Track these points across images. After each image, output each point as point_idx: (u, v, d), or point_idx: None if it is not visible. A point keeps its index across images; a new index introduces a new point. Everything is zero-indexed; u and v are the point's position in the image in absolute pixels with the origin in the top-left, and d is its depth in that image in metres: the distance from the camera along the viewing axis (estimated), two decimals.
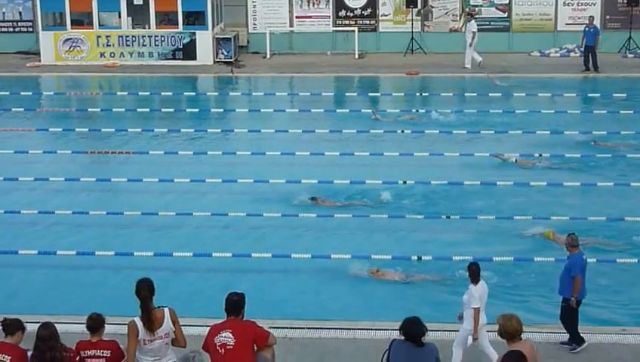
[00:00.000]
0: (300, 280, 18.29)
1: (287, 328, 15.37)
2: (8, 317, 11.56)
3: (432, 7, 41.21)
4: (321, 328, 15.61)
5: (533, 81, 35.65)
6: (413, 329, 10.98)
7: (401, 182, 23.17)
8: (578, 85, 35.68)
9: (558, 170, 24.71)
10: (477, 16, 40.66)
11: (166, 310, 11.51)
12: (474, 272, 13.88)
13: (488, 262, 17.76)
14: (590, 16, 38.03)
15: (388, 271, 18.28)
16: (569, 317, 14.76)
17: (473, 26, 38.41)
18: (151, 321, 11.31)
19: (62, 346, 11.03)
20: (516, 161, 25.35)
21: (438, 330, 14.54)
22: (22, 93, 34.69)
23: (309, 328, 15.61)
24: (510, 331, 10.87)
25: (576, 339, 14.80)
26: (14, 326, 11.29)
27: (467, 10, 40.43)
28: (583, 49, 37.62)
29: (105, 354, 11.31)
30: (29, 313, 13.96)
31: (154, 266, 18.09)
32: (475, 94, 33.37)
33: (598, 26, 37.87)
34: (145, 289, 11.38)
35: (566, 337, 14.88)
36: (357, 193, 22.90)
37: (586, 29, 37.10)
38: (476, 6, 41.03)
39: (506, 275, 18.05)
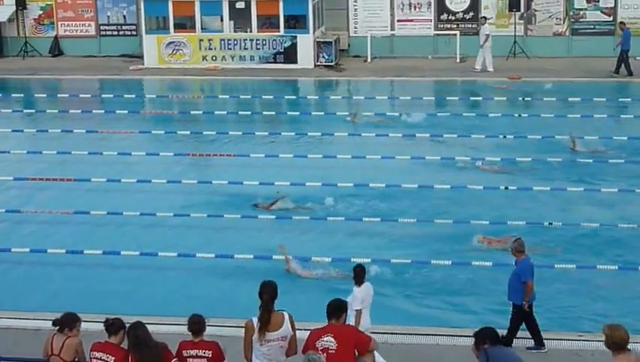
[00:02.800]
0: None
1: (387, 333, 15.26)
2: (110, 317, 11.67)
3: (536, 10, 40.65)
4: (421, 334, 15.47)
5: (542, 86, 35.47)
6: (497, 334, 11.25)
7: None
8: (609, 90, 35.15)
9: (514, 175, 24.62)
10: (581, 20, 40.08)
11: (286, 314, 11.49)
12: (358, 274, 13.81)
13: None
14: (622, 22, 38.02)
15: (298, 269, 18.51)
16: (517, 322, 14.72)
17: (486, 29, 38.33)
18: (267, 323, 11.29)
19: (157, 343, 11.15)
20: (481, 165, 25.31)
21: None
22: (125, 95, 35.21)
23: (409, 334, 15.49)
24: (618, 341, 10.56)
25: (508, 341, 14.58)
26: (117, 326, 11.42)
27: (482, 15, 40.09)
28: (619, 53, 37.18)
29: (206, 355, 11.38)
30: (129, 314, 14.05)
31: (254, 267, 18.22)
32: (578, 99, 32.82)
33: None
34: (268, 292, 11.39)
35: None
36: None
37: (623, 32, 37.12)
38: (581, 9, 40.37)
39: (436, 278, 18.26)
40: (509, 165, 25.41)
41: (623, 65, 36.60)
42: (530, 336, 15.06)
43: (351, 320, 13.49)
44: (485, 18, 39.20)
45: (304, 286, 17.96)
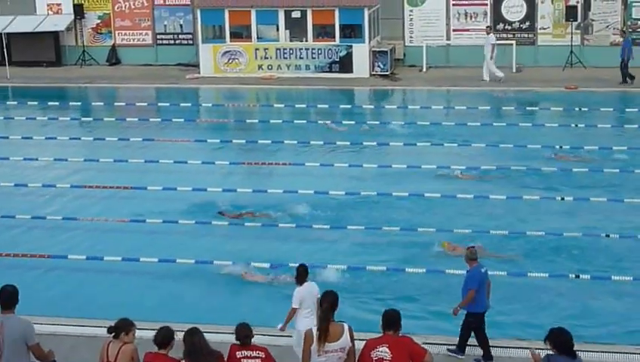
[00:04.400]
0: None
1: (442, 344, 15.21)
2: (158, 327, 11.71)
3: (593, 20, 40.31)
4: (477, 345, 15.36)
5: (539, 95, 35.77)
6: (567, 340, 10.86)
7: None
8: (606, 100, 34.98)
9: (489, 183, 24.82)
10: (639, 29, 39.69)
11: (345, 325, 11.51)
12: (300, 274, 14.23)
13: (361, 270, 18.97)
14: (623, 30, 38.50)
15: (255, 274, 18.96)
16: (466, 330, 14.86)
17: (492, 39, 38.37)
18: (326, 333, 11.31)
19: (213, 351, 11.18)
20: (461, 174, 25.52)
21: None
22: (181, 104, 35.44)
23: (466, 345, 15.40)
24: None
25: (460, 348, 15.03)
26: (163, 338, 11.42)
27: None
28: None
29: (260, 355, 11.47)
30: (187, 322, 14.10)
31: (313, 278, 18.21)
32: (636, 110, 32.50)
33: None
34: (328, 301, 11.46)
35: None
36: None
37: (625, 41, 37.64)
38: (638, 19, 39.97)
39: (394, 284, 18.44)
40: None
41: (625, 72, 36.90)
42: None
43: (301, 321, 13.98)
44: (490, 27, 39.12)
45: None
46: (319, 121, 31.89)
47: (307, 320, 13.73)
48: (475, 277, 14.76)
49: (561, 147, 27.64)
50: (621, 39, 38.21)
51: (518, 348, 15.18)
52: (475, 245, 16.59)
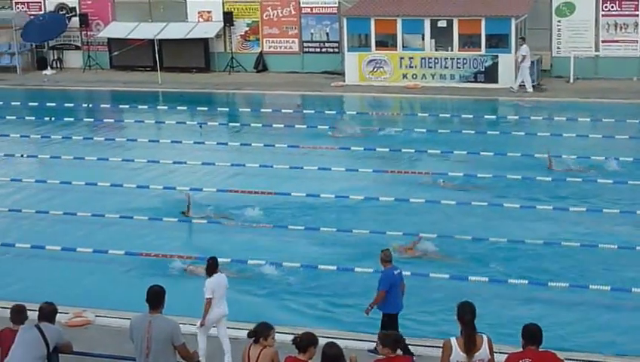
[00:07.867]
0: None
1: (583, 361, 15.03)
2: (299, 332, 11.86)
3: None
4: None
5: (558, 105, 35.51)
6: None
7: None
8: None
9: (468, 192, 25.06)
10: None
11: (485, 337, 11.51)
12: (210, 266, 15.37)
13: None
14: None
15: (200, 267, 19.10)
16: (381, 329, 14.80)
17: (523, 49, 37.97)
18: (469, 345, 11.34)
19: None
20: (443, 182, 25.81)
21: None
22: (326, 112, 35.73)
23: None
24: None
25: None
26: (306, 342, 11.53)
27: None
28: None
29: None
30: (329, 328, 14.29)
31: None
32: None
33: None
34: (469, 313, 11.48)
35: None
36: None
37: None
38: None
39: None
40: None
41: None
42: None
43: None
44: (523, 39, 38.41)
45: None
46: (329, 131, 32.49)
47: (217, 309, 15.27)
48: (388, 278, 15.52)
49: None
50: None
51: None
52: None
